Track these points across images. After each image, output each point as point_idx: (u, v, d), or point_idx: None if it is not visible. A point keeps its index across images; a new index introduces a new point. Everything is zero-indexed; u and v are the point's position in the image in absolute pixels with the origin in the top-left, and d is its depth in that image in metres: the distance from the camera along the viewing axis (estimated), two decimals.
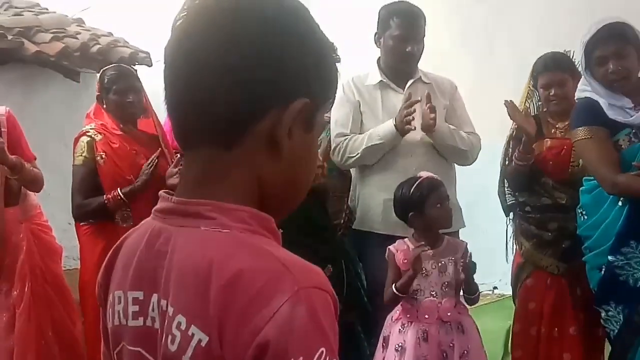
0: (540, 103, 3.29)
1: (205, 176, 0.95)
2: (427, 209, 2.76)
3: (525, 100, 3.33)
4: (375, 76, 3.27)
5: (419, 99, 3.05)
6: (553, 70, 3.17)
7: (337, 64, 1.01)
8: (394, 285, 2.73)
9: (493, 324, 4.00)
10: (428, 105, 3.04)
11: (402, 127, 3.04)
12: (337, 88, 1.02)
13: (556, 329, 3.15)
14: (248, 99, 0.91)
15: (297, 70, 0.93)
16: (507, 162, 3.29)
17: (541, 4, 5.33)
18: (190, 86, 0.93)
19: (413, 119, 3.02)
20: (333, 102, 1.03)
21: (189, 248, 0.91)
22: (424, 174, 2.84)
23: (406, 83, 3.24)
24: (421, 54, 3.25)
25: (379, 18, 3.27)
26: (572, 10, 4.98)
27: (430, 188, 2.77)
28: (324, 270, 2.85)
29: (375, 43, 3.30)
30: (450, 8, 5.70)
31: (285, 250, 0.92)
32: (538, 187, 3.19)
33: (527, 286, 3.22)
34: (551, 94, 3.16)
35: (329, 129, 3.29)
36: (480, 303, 3.41)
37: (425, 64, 3.39)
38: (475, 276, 2.83)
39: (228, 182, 0.94)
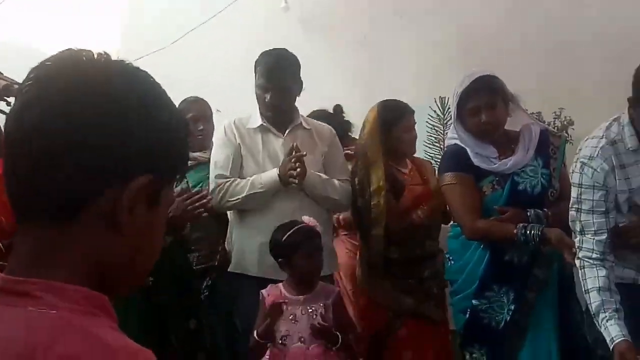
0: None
1: (38, 252, 0.90)
2: (296, 259, 2.76)
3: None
4: (257, 120, 3.29)
5: (304, 153, 3.08)
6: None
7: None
8: (255, 332, 2.72)
9: None
10: (294, 156, 3.07)
11: (286, 180, 3.07)
12: (186, 162, 1.01)
13: None
14: (84, 175, 0.87)
15: (140, 146, 0.90)
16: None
17: (420, 54, 5.53)
18: (27, 158, 0.88)
19: (297, 172, 3.04)
20: (182, 177, 1.01)
21: (12, 331, 0.85)
22: (306, 219, 2.84)
23: (286, 128, 3.28)
24: (288, 101, 3.26)
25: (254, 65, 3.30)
26: (449, 60, 5.19)
27: (304, 238, 2.76)
28: (189, 323, 2.82)
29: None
30: (336, 54, 5.83)
31: (116, 332, 0.88)
32: (411, 240, 3.26)
33: (400, 337, 3.23)
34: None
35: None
36: None
37: (317, 106, 3.41)
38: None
39: (62, 259, 0.89)
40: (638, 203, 2.48)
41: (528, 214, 2.80)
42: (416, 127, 4.75)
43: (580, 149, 2.54)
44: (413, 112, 3.44)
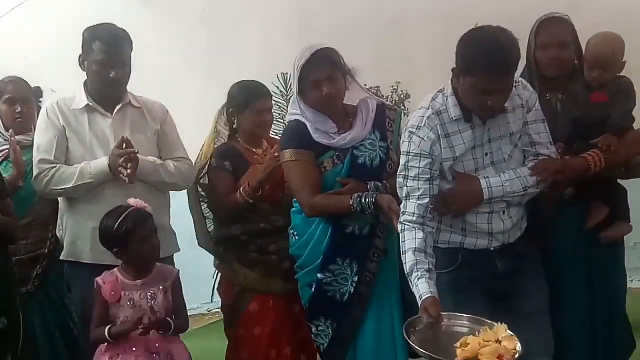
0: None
1: None
2: (131, 245, 2.66)
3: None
4: (82, 100, 3.09)
5: (136, 150, 2.94)
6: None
7: None
8: (107, 329, 2.61)
9: (216, 344, 3.95)
10: (124, 152, 2.93)
11: (116, 172, 2.93)
12: None
13: (274, 350, 3.19)
14: None
15: None
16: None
17: (261, 30, 5.47)
18: None
19: (127, 172, 2.91)
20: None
21: None
22: (133, 202, 2.73)
23: (114, 107, 3.11)
24: (128, 77, 3.12)
25: (82, 41, 3.09)
26: (289, 35, 5.16)
27: (135, 222, 2.66)
28: None
29: (80, 66, 3.12)
30: (173, 28, 5.64)
31: None
32: (254, 214, 3.22)
33: (250, 312, 3.21)
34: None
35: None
36: (200, 325, 3.40)
37: (153, 82, 3.26)
38: (196, 298, 2.76)
39: None
40: (459, 170, 2.59)
41: (368, 186, 2.85)
42: None
43: (408, 120, 2.63)
44: (269, 94, 3.39)
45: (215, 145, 3.34)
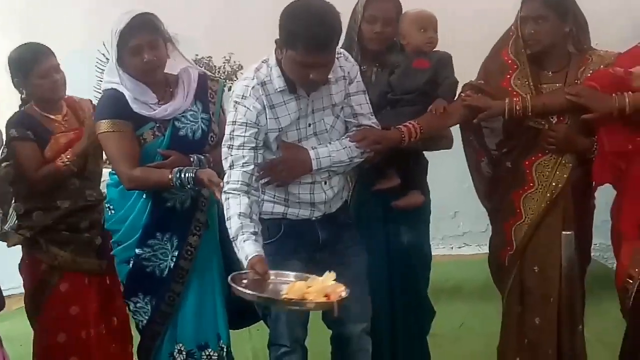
0: None
1: None
2: None
3: None
4: None
5: None
6: None
7: None
8: None
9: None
10: None
11: None
12: None
13: (90, 330, 3.12)
14: None
15: None
16: None
17: None
18: None
19: None
20: None
21: None
22: None
23: None
24: None
25: None
26: (114, 2, 4.92)
27: None
28: None
29: None
30: None
31: None
32: (65, 191, 3.09)
33: (62, 292, 3.09)
34: None
35: None
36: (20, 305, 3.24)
37: None
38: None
39: None
40: (285, 140, 2.61)
41: (191, 159, 2.79)
42: (86, 71, 4.46)
43: (233, 90, 2.61)
44: (50, 53, 3.14)
45: None
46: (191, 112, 2.84)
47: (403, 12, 2.96)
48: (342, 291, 2.33)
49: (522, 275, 3.00)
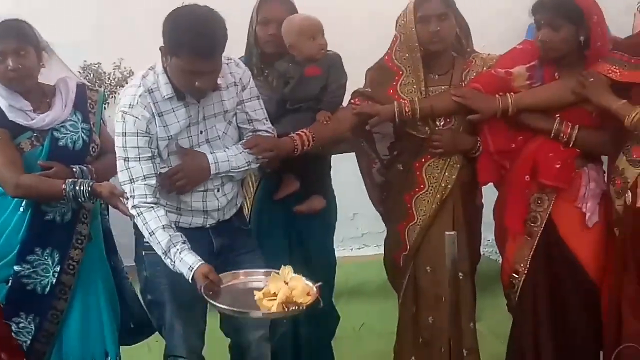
0: None
1: None
2: None
3: None
4: None
5: None
6: None
7: None
8: None
9: None
10: None
11: None
12: None
13: None
14: None
15: None
16: None
17: None
18: None
19: None
20: None
21: None
22: None
23: None
24: None
25: None
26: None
27: None
28: None
29: None
30: None
31: None
32: None
33: None
34: None
35: None
36: None
37: None
38: None
39: None
40: (182, 147, 2.57)
41: (74, 170, 2.70)
42: None
43: (120, 99, 2.54)
44: None
45: None
46: (71, 122, 2.74)
47: (287, 19, 2.93)
48: (307, 282, 2.40)
49: (416, 275, 3.05)
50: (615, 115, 2.62)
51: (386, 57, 2.99)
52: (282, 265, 2.47)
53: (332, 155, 3.18)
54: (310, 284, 2.42)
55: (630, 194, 2.66)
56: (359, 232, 5.09)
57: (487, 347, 3.25)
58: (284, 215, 3.06)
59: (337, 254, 3.32)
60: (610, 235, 2.79)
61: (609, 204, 2.77)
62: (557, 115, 2.79)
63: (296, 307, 2.35)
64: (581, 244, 2.81)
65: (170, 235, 2.44)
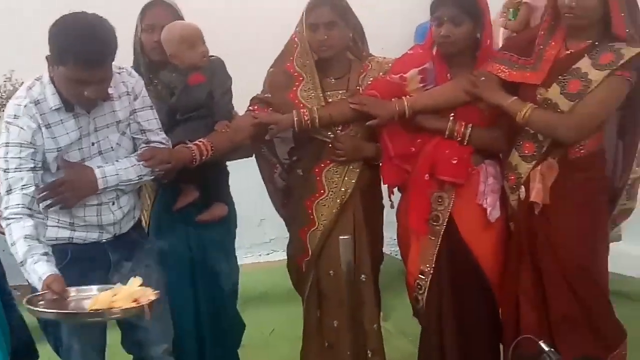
0: None
1: None
2: None
3: None
4: None
5: None
6: None
7: None
8: None
9: None
10: None
11: None
12: None
13: None
14: None
15: None
16: None
17: None
18: None
19: None
20: None
21: None
22: None
23: None
24: None
25: None
26: None
27: None
28: None
29: None
30: None
31: None
32: None
33: None
34: None
35: None
36: None
37: None
38: None
39: None
40: (67, 160, 2.49)
41: None
42: None
43: (6, 110, 2.47)
44: None
45: None
46: None
47: (166, 28, 2.90)
48: (151, 294, 2.28)
49: (318, 280, 3.06)
50: (506, 112, 2.71)
51: (288, 64, 3.00)
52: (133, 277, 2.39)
53: (236, 161, 3.15)
54: (150, 294, 2.32)
55: (523, 188, 2.75)
56: (266, 238, 5.08)
57: (395, 346, 3.28)
58: (184, 226, 3.01)
59: (245, 260, 3.31)
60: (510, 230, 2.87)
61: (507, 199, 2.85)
62: (452, 115, 2.85)
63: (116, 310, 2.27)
64: (480, 242, 2.87)
65: (29, 246, 2.33)
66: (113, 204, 2.59)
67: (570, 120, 2.62)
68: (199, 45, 2.86)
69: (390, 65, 2.97)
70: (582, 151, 2.68)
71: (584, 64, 2.61)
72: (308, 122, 2.90)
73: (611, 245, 2.85)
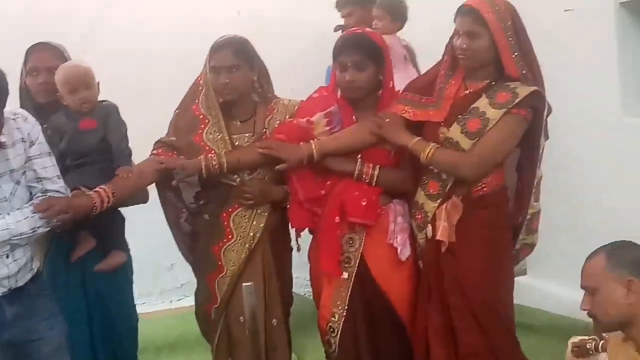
0: None
1: None
2: None
3: None
4: None
5: None
6: None
7: None
8: None
9: None
10: None
11: None
12: None
13: None
14: None
15: None
16: None
17: None
18: None
19: None
20: None
21: None
22: None
23: None
24: None
25: None
26: None
27: None
28: None
29: None
30: None
31: None
32: None
33: None
34: None
35: None
36: None
37: None
38: None
39: None
40: None
41: None
42: None
43: None
44: None
45: None
46: None
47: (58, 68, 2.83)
48: None
49: (228, 326, 2.99)
50: (411, 152, 2.75)
51: (194, 106, 2.96)
52: None
53: (146, 204, 3.06)
54: None
55: (430, 227, 2.78)
56: (178, 283, 4.94)
57: None
58: (80, 274, 2.90)
59: (156, 307, 3.19)
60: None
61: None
62: (359, 156, 2.87)
63: None
64: (392, 281, 2.89)
65: None
66: (7, 257, 2.46)
67: (471, 159, 2.68)
68: (80, 90, 2.78)
69: (295, 107, 2.98)
70: (484, 189, 2.75)
71: (482, 103, 2.69)
72: (216, 167, 2.86)
73: (517, 279, 2.92)
